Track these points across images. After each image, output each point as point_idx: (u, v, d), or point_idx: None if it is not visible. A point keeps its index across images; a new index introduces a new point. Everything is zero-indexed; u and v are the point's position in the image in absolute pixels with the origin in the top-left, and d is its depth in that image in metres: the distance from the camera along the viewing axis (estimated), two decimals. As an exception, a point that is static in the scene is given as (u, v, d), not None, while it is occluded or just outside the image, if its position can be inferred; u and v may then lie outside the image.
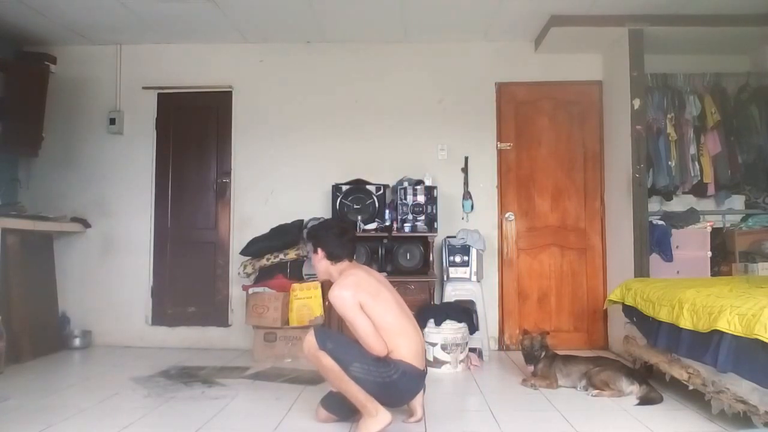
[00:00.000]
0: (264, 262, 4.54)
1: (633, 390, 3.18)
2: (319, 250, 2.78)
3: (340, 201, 4.55)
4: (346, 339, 2.63)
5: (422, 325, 3.88)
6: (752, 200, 4.81)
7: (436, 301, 4.45)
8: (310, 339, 2.54)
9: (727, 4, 4.12)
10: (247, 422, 2.85)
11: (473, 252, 4.44)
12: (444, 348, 3.94)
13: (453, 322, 4.00)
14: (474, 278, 4.44)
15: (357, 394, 2.50)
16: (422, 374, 2.69)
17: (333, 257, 2.77)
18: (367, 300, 2.58)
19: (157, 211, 4.99)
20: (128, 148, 5.01)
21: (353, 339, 2.62)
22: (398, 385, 2.56)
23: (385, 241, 4.54)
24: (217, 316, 4.90)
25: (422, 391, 2.78)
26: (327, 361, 2.49)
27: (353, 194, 4.57)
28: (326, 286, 4.27)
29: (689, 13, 4.26)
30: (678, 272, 4.32)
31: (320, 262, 2.80)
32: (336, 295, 2.58)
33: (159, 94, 5.04)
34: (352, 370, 2.48)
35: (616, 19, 4.33)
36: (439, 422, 2.80)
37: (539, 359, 3.49)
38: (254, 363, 4.18)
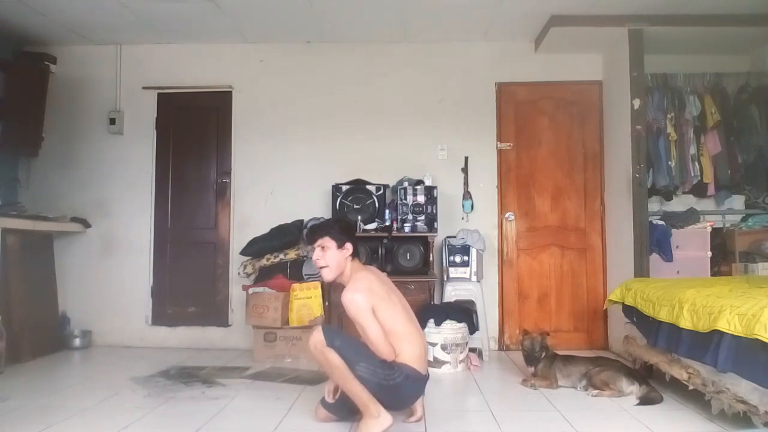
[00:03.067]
0: (264, 262, 4.55)
1: (633, 390, 3.18)
2: (348, 245, 2.73)
3: (340, 201, 4.55)
4: (353, 338, 2.64)
5: (422, 325, 3.87)
6: (752, 200, 4.82)
7: (436, 301, 4.45)
8: (318, 335, 2.53)
9: (727, 4, 4.12)
10: (247, 422, 2.85)
11: (473, 252, 4.44)
12: (444, 348, 3.94)
13: (453, 322, 4.00)
14: (474, 278, 4.44)
15: (360, 393, 2.50)
16: (425, 379, 2.70)
17: (355, 254, 2.77)
18: (378, 304, 2.59)
19: (157, 211, 4.99)
20: (128, 148, 5.01)
21: (359, 339, 2.62)
22: (402, 388, 2.56)
23: (385, 241, 4.54)
24: (217, 316, 4.89)
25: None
26: (334, 359, 2.48)
27: (353, 194, 4.57)
28: (325, 286, 4.29)
29: (689, 13, 4.26)
30: (678, 272, 4.33)
31: (344, 259, 2.72)
32: (350, 298, 2.57)
33: (159, 94, 5.04)
34: (358, 370, 2.48)
35: (616, 19, 4.33)
36: (439, 422, 2.80)
37: (539, 360, 3.49)
38: (254, 363, 4.18)
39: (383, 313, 2.59)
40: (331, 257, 2.71)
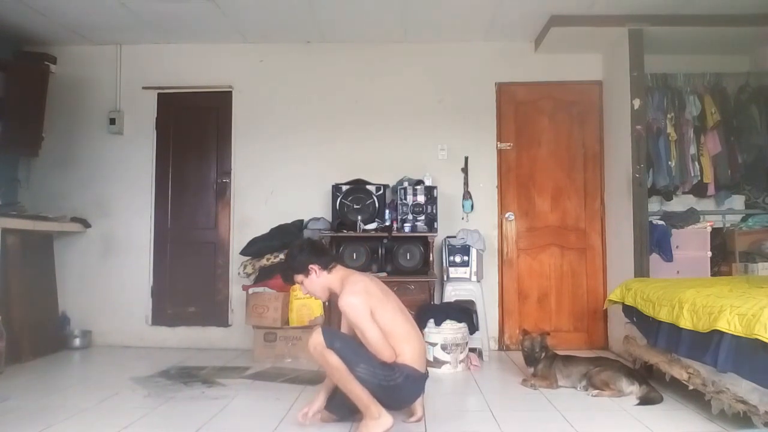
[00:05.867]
0: (264, 262, 4.54)
1: (633, 390, 3.18)
2: (312, 267, 2.70)
3: (340, 201, 4.55)
4: (353, 340, 2.63)
5: (422, 325, 3.89)
6: (752, 200, 4.82)
7: (436, 301, 4.45)
8: (317, 337, 2.53)
9: (727, 4, 4.12)
10: (247, 422, 2.86)
11: (473, 252, 4.44)
12: (444, 348, 3.94)
13: (453, 322, 4.00)
14: (474, 278, 4.44)
15: (361, 395, 2.50)
16: (424, 378, 2.70)
17: (326, 265, 2.72)
18: (375, 306, 2.58)
19: (157, 211, 4.99)
20: (128, 148, 5.00)
21: (358, 341, 2.62)
22: (402, 388, 2.56)
23: (385, 241, 4.54)
24: (217, 316, 4.90)
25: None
26: (334, 360, 2.48)
27: (353, 194, 4.57)
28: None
29: (689, 13, 4.26)
30: (678, 272, 4.32)
31: (320, 278, 2.71)
32: (347, 302, 2.56)
33: (159, 94, 5.04)
34: (358, 371, 2.47)
35: (616, 19, 4.33)
36: (439, 422, 2.80)
37: (539, 360, 3.49)
38: (254, 363, 4.18)
39: (381, 314, 2.58)
40: (308, 285, 2.75)
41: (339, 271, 2.75)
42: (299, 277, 2.75)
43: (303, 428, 2.72)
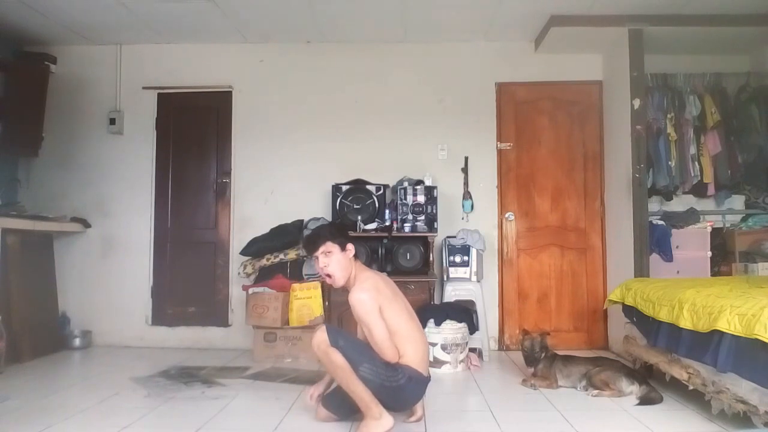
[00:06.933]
0: (264, 262, 4.55)
1: (633, 390, 3.18)
2: (350, 246, 2.71)
3: (340, 201, 4.54)
4: (357, 339, 2.64)
5: (422, 325, 3.87)
6: (752, 200, 4.82)
7: (436, 301, 4.45)
8: (322, 335, 2.52)
9: (727, 4, 4.12)
10: (247, 422, 2.85)
11: (473, 252, 4.44)
12: (444, 348, 3.94)
13: (453, 322, 4.00)
14: (474, 278, 4.44)
15: (363, 394, 2.50)
16: (427, 381, 2.70)
17: (356, 253, 2.77)
18: (384, 304, 2.58)
19: (157, 211, 4.99)
20: (128, 148, 5.01)
21: (364, 341, 2.62)
22: (404, 390, 2.56)
23: (385, 241, 4.54)
24: (217, 316, 4.90)
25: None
26: (337, 359, 2.48)
27: (353, 194, 4.57)
28: (325, 286, 4.27)
29: (689, 13, 4.26)
30: (678, 272, 4.33)
31: (349, 261, 2.70)
32: (357, 298, 2.56)
33: (159, 94, 5.04)
34: (362, 370, 2.47)
35: (616, 19, 4.33)
36: (439, 422, 2.80)
37: (539, 360, 3.49)
38: (254, 363, 4.18)
39: (388, 313, 2.58)
40: (336, 261, 2.67)
41: (357, 264, 2.77)
42: (333, 248, 2.65)
43: (303, 428, 2.73)
